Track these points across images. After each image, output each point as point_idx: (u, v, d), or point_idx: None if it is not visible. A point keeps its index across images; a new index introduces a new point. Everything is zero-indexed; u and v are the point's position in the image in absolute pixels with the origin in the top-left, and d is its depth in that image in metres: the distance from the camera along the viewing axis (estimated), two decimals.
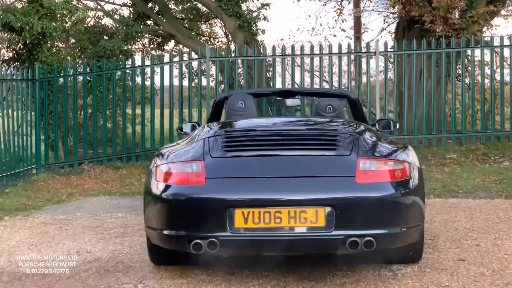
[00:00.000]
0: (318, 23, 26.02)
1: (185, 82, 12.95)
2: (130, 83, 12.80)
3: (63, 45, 14.50)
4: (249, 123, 5.53)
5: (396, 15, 15.40)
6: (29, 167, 11.45)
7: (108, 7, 17.51)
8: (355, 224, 4.47)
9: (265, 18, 14.68)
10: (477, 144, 12.17)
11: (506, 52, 12.47)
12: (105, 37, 15.36)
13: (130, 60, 13.08)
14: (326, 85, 12.50)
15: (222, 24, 16.36)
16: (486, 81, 12.89)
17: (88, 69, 12.86)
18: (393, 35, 15.61)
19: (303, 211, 4.46)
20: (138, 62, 12.82)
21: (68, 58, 13.55)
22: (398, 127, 6.57)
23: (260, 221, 4.47)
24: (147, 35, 16.70)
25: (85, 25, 14.13)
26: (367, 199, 4.50)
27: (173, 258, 5.21)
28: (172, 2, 17.43)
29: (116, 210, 8.32)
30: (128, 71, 12.79)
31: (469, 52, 12.75)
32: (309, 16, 26.58)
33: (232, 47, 14.87)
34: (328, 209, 4.45)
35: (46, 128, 12.31)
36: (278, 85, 12.67)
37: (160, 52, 16.99)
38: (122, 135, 12.74)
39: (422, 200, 4.90)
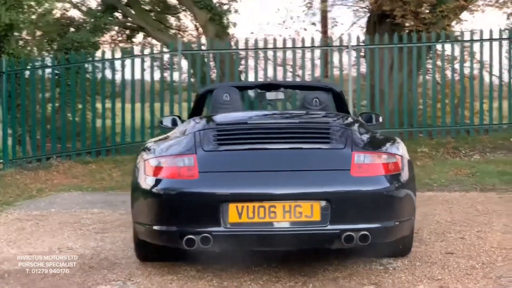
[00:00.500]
0: (288, 16, 25.91)
1: (156, 76, 12.74)
2: (100, 76, 12.58)
3: (30, 38, 14.19)
4: (239, 116, 5.44)
5: (366, 9, 15.44)
6: None
7: None
8: (351, 218, 4.42)
9: (236, 11, 14.60)
10: (448, 138, 12.29)
11: (476, 47, 12.61)
12: (72, 30, 15.07)
13: (100, 52, 12.84)
14: (298, 80, 12.43)
15: (193, 17, 16.19)
16: (456, 75, 13.01)
17: (56, 61, 12.60)
18: (364, 29, 15.65)
19: (298, 205, 4.40)
20: (108, 55, 12.61)
21: (35, 50, 13.25)
22: (381, 120, 6.55)
23: (255, 215, 4.39)
24: (115, 27, 16.44)
25: (52, 17, 13.84)
26: (363, 193, 4.45)
27: (160, 254, 5.11)
28: None
29: (90, 205, 8.15)
30: (97, 63, 12.56)
31: (439, 47, 12.83)
32: (278, 9, 26.50)
33: (203, 40, 14.75)
34: (323, 203, 4.39)
35: (13, 122, 12.04)
36: (251, 79, 12.58)
37: (128, 44, 16.76)
38: (91, 130, 12.52)
39: (414, 193, 4.88)
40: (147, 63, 12.43)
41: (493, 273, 4.79)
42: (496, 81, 12.97)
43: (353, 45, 12.41)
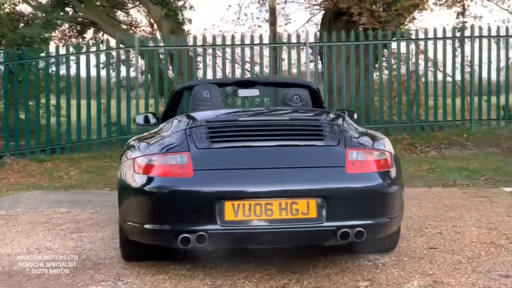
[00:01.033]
0: (242, 13, 25.77)
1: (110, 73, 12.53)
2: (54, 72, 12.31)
3: None
4: (229, 113, 5.40)
5: (321, 7, 15.54)
6: None
7: None
8: (346, 215, 4.43)
9: (191, 7, 14.47)
10: (404, 135, 12.50)
11: (430, 45, 12.87)
12: (21, 25, 14.68)
13: (54, 48, 12.53)
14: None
15: (147, 12, 15.99)
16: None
17: (8, 57, 12.26)
18: (318, 27, 15.76)
19: (294, 202, 4.38)
20: (63, 51, 12.34)
21: None
22: (356, 117, 6.60)
23: (251, 213, 4.36)
24: (66, 22, 16.10)
25: (2, 12, 13.46)
26: (358, 190, 4.47)
27: (147, 254, 5.03)
28: None
29: (56, 205, 7.95)
30: (52, 59, 12.28)
31: (394, 45, 13.02)
32: (230, 6, 26.30)
33: (158, 36, 14.58)
34: (319, 200, 4.39)
35: None
36: (209, 76, 12.51)
37: (80, 40, 16.43)
38: (46, 127, 12.24)
39: (403, 189, 4.93)
40: (103, 59, 12.20)
41: (481, 267, 4.87)
42: (449, 78, 13.25)
43: (311, 42, 12.49)
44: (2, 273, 4.93)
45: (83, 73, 12.30)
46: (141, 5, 16.06)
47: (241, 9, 21.23)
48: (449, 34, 12.83)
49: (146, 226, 4.54)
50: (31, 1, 15.95)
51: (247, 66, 13.50)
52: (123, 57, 12.61)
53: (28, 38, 13.23)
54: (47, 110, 12.24)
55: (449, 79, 13.25)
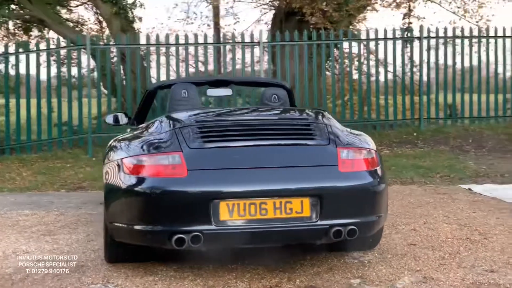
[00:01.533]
0: (191, 12, 25.53)
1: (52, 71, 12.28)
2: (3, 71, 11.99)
3: None
4: (216, 112, 5.36)
5: (271, 6, 15.60)
6: None
7: None
8: (339, 213, 4.46)
9: (141, 5, 14.28)
10: None
11: (380, 45, 13.08)
12: None
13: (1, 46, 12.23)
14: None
15: (96, 10, 15.72)
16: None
17: None
18: (269, 26, 15.81)
19: (289, 201, 4.39)
20: (11, 49, 12.02)
21: None
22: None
23: (246, 213, 4.35)
24: (11, 20, 15.63)
25: None
26: (351, 188, 4.52)
27: (132, 255, 4.97)
28: None
29: (18, 207, 7.76)
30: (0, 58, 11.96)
31: (346, 44, 13.20)
32: (176, 5, 26.01)
33: (107, 34, 14.35)
34: (312, 199, 4.42)
35: None
36: (162, 75, 12.40)
37: (25, 38, 16.01)
38: None
39: (387, 187, 5.00)
40: (51, 58, 11.93)
41: (465, 263, 4.99)
42: (399, 78, 13.51)
43: (265, 41, 12.54)
44: None
45: (33, 72, 12.01)
46: (89, 3, 15.79)
47: (189, 7, 21.01)
48: (398, 35, 13.08)
49: (136, 227, 4.48)
50: None
51: (200, 65, 13.47)
52: (73, 55, 12.37)
53: None
54: None
55: (399, 78, 13.51)
